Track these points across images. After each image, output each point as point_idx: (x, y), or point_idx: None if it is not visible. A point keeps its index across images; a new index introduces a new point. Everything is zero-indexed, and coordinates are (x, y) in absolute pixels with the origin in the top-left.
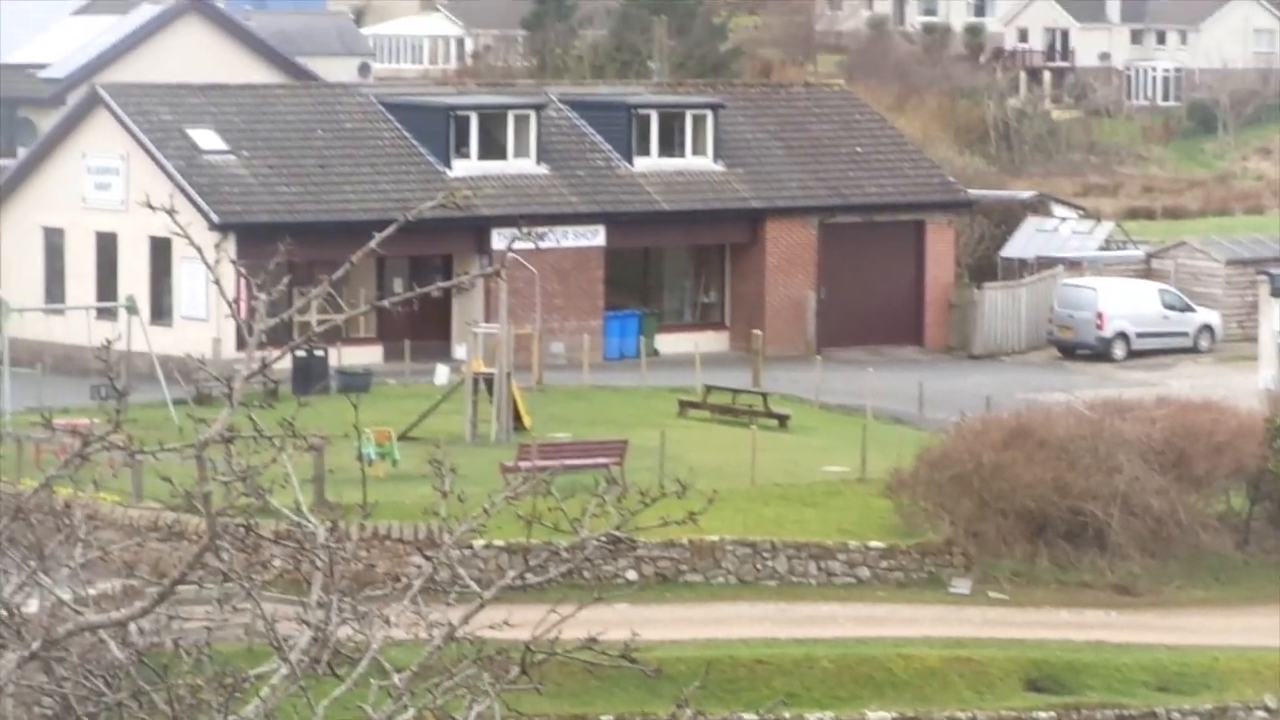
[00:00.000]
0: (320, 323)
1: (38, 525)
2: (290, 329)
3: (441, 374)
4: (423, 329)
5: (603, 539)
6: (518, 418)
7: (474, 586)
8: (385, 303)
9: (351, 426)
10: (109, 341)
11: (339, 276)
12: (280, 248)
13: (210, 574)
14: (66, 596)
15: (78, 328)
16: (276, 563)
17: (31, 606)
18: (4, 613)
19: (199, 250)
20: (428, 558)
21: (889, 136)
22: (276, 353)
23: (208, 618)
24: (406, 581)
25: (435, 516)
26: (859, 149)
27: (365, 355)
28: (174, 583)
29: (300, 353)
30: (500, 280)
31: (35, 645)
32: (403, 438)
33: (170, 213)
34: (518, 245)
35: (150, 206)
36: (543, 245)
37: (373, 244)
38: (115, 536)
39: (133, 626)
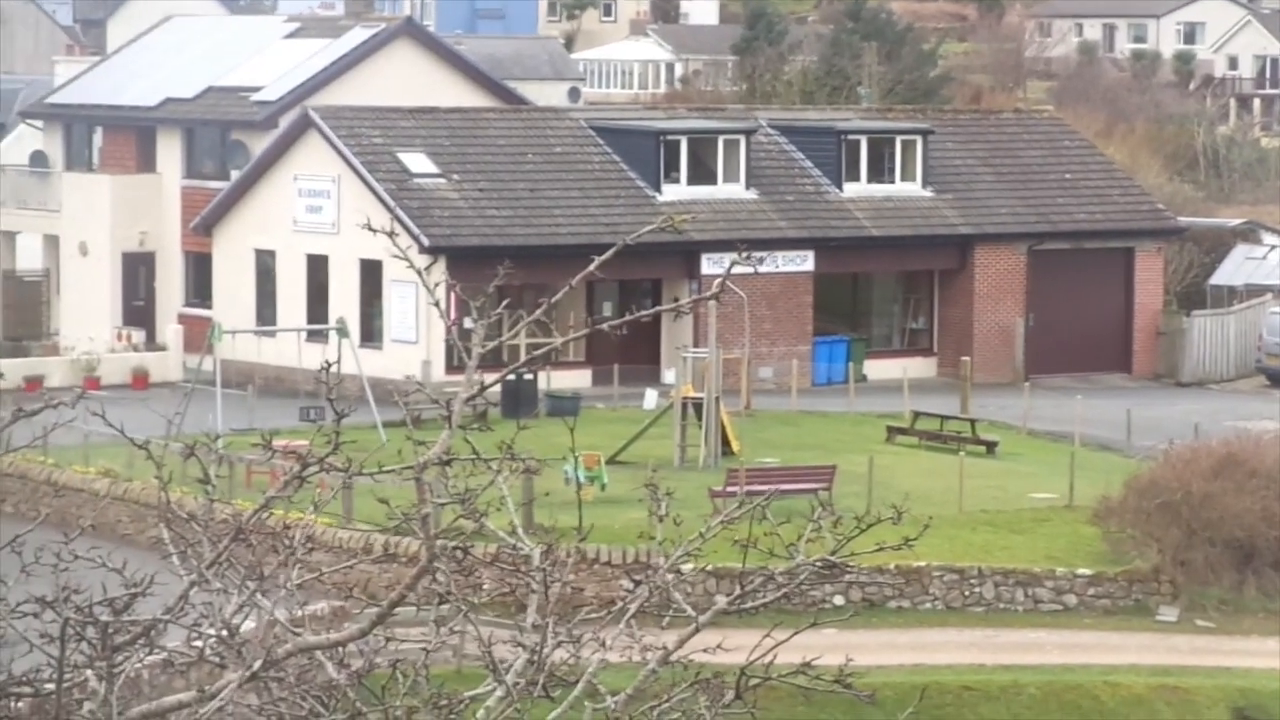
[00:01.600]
0: (538, 347)
1: (256, 546)
2: (501, 352)
3: (650, 398)
4: (632, 353)
5: (818, 564)
6: (726, 443)
7: (689, 610)
8: (604, 326)
9: (563, 450)
10: (329, 364)
11: (557, 300)
12: (499, 271)
13: (427, 596)
14: (283, 617)
15: (288, 350)
16: (488, 585)
17: (247, 627)
18: (225, 633)
19: (420, 273)
20: (637, 581)
21: (1098, 163)
22: (493, 376)
23: (423, 639)
24: (621, 605)
25: (650, 540)
26: (1068, 175)
27: (574, 379)
28: (392, 604)
29: (510, 376)
30: (711, 305)
31: (256, 666)
32: (611, 462)
33: (391, 235)
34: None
35: (371, 229)
36: (759, 269)
37: (592, 267)
38: (326, 559)
39: (351, 647)
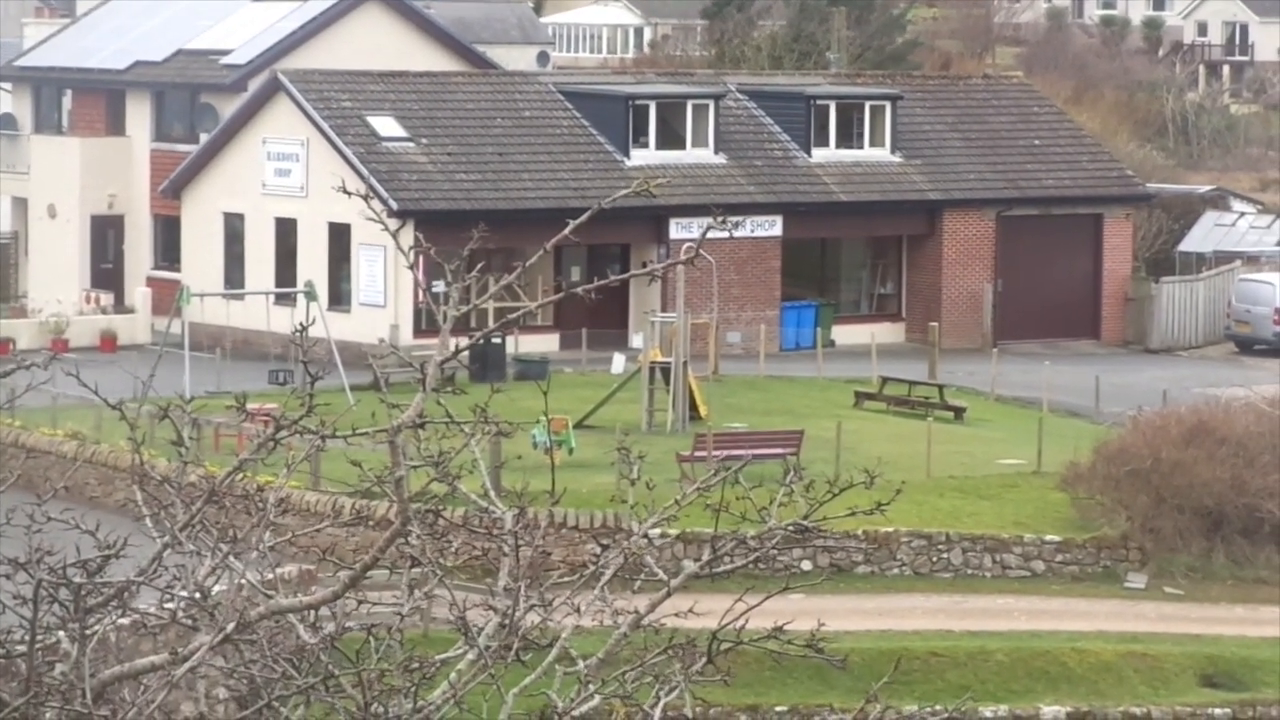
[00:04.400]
0: (507, 311)
1: (229, 509)
2: (469, 316)
3: (618, 363)
4: (600, 318)
5: (789, 528)
6: (694, 407)
7: (660, 574)
8: (577, 290)
9: (534, 414)
10: (303, 326)
11: (530, 264)
12: (473, 235)
13: (399, 559)
14: (255, 580)
15: (257, 313)
16: (458, 548)
17: (218, 590)
18: (198, 595)
19: (394, 236)
20: (604, 545)
21: (1067, 129)
22: (464, 340)
23: (396, 603)
24: (594, 569)
25: (621, 505)
26: (1037, 141)
27: (542, 343)
28: (365, 568)
29: (481, 340)
30: (679, 270)
31: (229, 628)
32: (579, 426)
33: (366, 198)
34: (712, 234)
35: (346, 192)
36: (733, 234)
37: (567, 231)
38: (295, 522)
39: (323, 610)
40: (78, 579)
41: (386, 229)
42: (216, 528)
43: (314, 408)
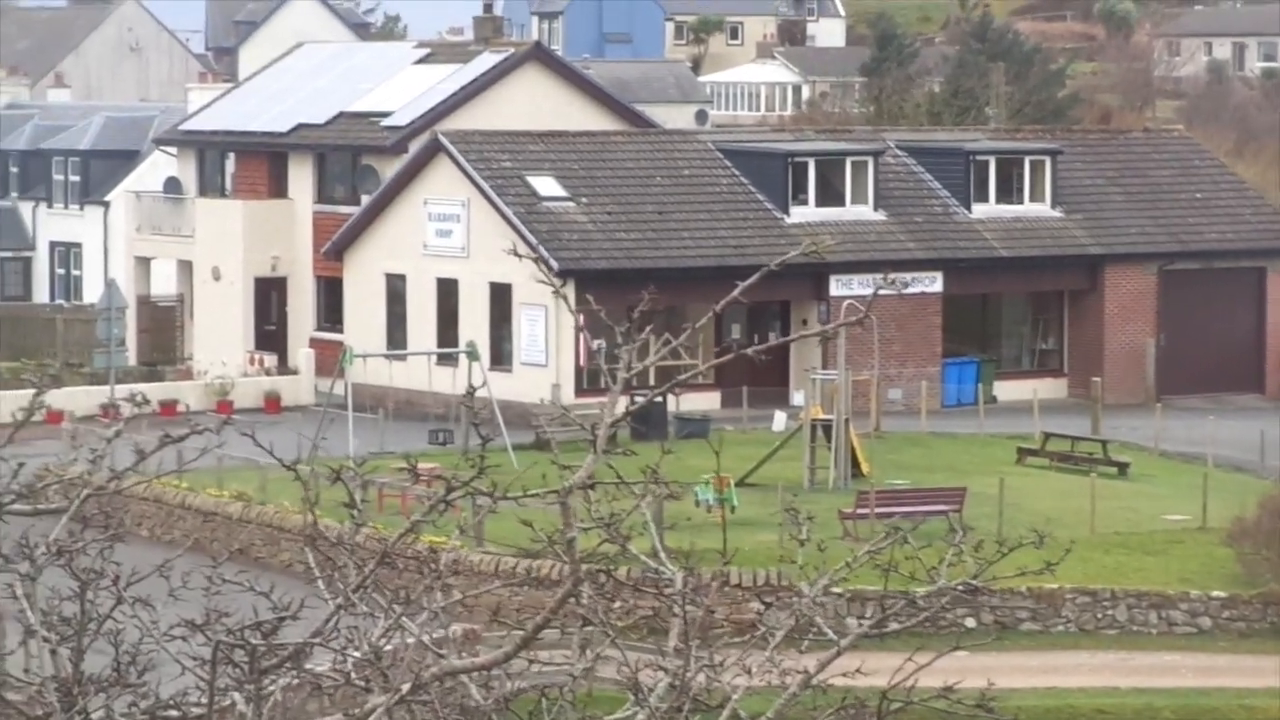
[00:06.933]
0: (669, 370)
1: (402, 570)
2: (617, 375)
3: (779, 420)
4: (760, 375)
5: (960, 588)
6: (856, 464)
7: (830, 635)
8: (748, 350)
9: (695, 473)
10: (473, 389)
11: (702, 324)
12: (643, 295)
13: (571, 619)
14: (428, 641)
15: (419, 374)
16: (626, 608)
17: (387, 650)
18: (371, 656)
19: (566, 300)
20: (767, 603)
21: (1229, 182)
22: (628, 400)
23: (566, 663)
24: (764, 630)
25: (788, 563)
26: (1199, 195)
27: (703, 401)
28: (537, 628)
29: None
30: (840, 327)
31: (405, 689)
32: (741, 484)
33: (537, 261)
34: (869, 291)
35: (517, 255)
36: (902, 292)
37: (737, 293)
38: (458, 581)
39: (494, 670)
40: (255, 640)
41: (559, 293)
42: (389, 589)
43: (485, 469)
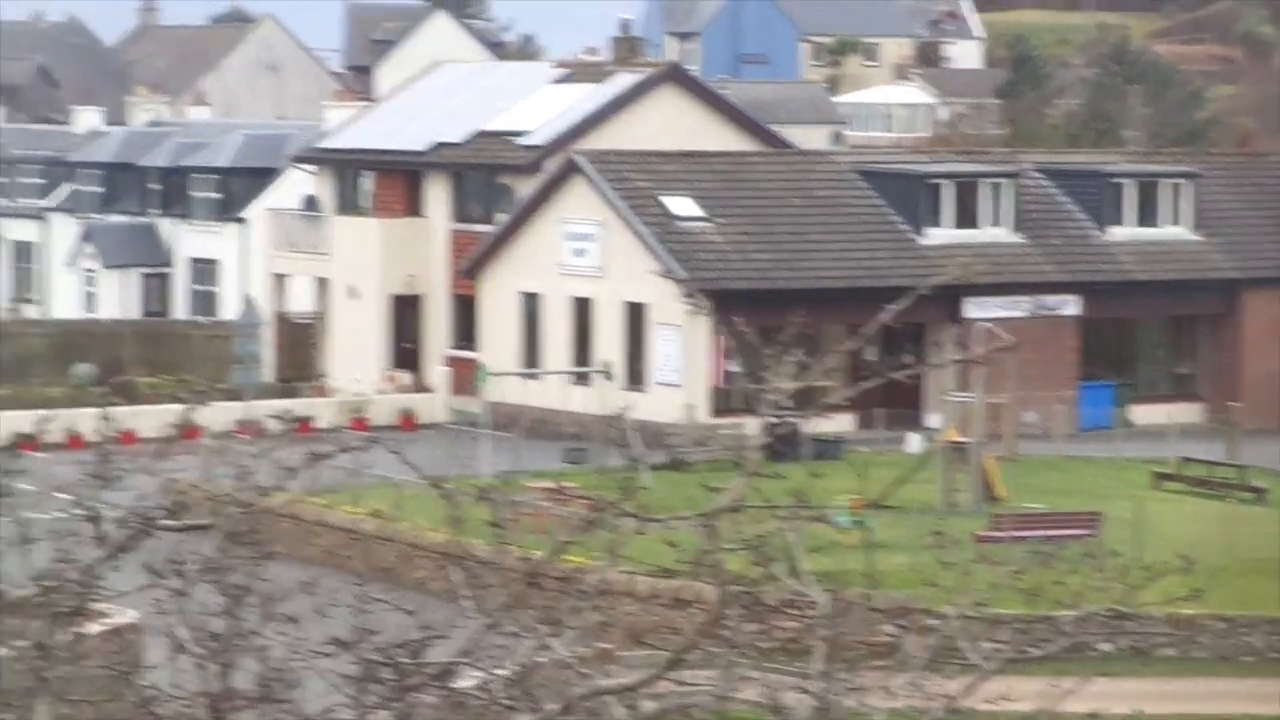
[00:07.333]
0: (803, 391)
1: (548, 590)
2: (763, 396)
3: (914, 442)
4: (895, 397)
5: (1106, 613)
6: (990, 487)
7: (976, 660)
8: (898, 374)
9: (826, 494)
10: (622, 409)
11: (852, 347)
12: (790, 317)
13: (716, 641)
14: (574, 661)
15: (554, 392)
16: (771, 630)
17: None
18: (517, 676)
19: (713, 321)
20: (902, 626)
21: None
22: (758, 421)
23: (708, 684)
24: (909, 654)
25: (932, 586)
26: None
27: (837, 423)
28: (684, 649)
29: (774, 420)
30: (974, 350)
31: (553, 709)
32: (875, 506)
33: (683, 284)
34: (1003, 313)
35: (665, 277)
36: (1046, 313)
37: (887, 316)
38: (600, 602)
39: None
40: (401, 659)
41: (702, 311)
42: (536, 609)
43: (633, 490)
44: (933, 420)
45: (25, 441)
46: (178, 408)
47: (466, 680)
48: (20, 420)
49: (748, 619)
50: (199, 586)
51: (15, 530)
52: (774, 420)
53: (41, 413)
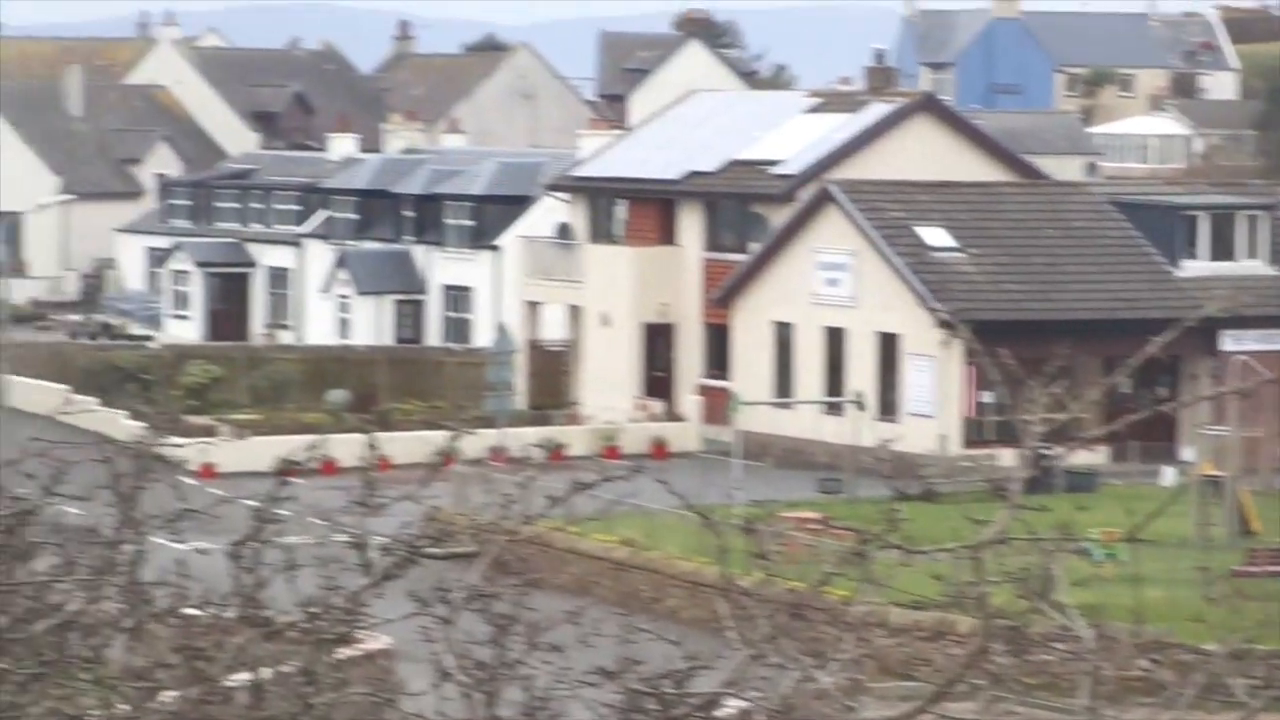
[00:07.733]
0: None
1: (812, 621)
2: (1013, 428)
3: (1168, 476)
4: (1149, 430)
5: None
6: (1246, 522)
7: (1241, 695)
8: (1165, 408)
9: (1080, 527)
10: (887, 441)
11: (1117, 381)
12: (1059, 350)
13: (980, 674)
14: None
15: (806, 422)
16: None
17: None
18: (780, 708)
19: (982, 353)
20: (1155, 661)
21: None
22: (1009, 453)
23: (974, 716)
24: (1177, 690)
25: (1199, 623)
26: None
27: (1090, 456)
28: (949, 682)
29: (1041, 453)
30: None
31: None
32: (1129, 539)
33: (952, 323)
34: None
35: (946, 324)
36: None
37: (1153, 349)
38: (868, 634)
39: None
40: (666, 689)
41: (974, 346)
42: (799, 640)
43: (898, 522)
44: (1187, 454)
45: (289, 468)
46: (431, 434)
47: (729, 710)
48: (279, 446)
49: (1011, 653)
50: (463, 615)
51: (281, 556)
52: (1041, 452)
53: (309, 438)
